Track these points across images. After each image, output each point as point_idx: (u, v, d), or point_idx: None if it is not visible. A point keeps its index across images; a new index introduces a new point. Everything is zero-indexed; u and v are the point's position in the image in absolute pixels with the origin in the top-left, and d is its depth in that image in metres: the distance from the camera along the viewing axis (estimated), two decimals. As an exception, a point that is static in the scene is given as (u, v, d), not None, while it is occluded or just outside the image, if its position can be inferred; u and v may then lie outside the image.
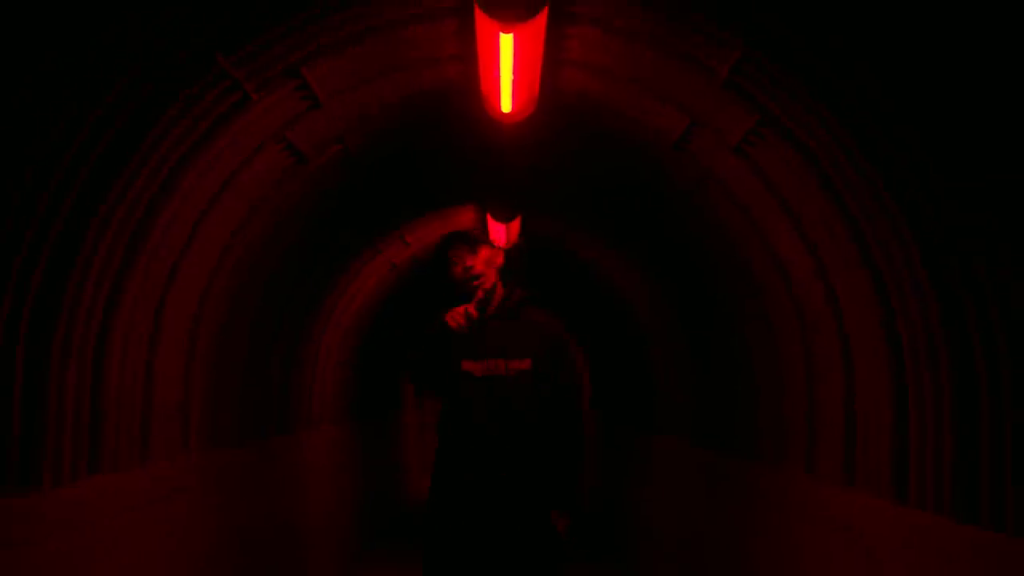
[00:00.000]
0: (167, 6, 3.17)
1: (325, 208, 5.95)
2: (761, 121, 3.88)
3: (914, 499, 3.64)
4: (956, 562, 3.36)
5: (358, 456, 10.43)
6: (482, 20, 3.61)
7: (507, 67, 4.02)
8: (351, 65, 4.17)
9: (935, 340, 3.41)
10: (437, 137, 5.62)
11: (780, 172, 4.10)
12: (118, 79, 3.20)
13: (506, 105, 4.59)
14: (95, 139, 3.26)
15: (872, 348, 3.93)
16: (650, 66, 4.13)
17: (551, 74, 4.48)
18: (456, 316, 4.34)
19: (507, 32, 3.64)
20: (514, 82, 4.25)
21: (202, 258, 4.61)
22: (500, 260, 4.44)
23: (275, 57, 3.78)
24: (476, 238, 4.46)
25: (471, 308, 4.35)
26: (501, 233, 8.43)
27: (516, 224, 8.12)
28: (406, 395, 15.42)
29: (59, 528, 3.49)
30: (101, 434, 3.87)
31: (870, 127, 3.38)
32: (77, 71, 3.07)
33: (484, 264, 4.41)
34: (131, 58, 3.21)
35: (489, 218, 7.90)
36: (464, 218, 8.36)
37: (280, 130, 4.42)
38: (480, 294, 4.34)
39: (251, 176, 4.59)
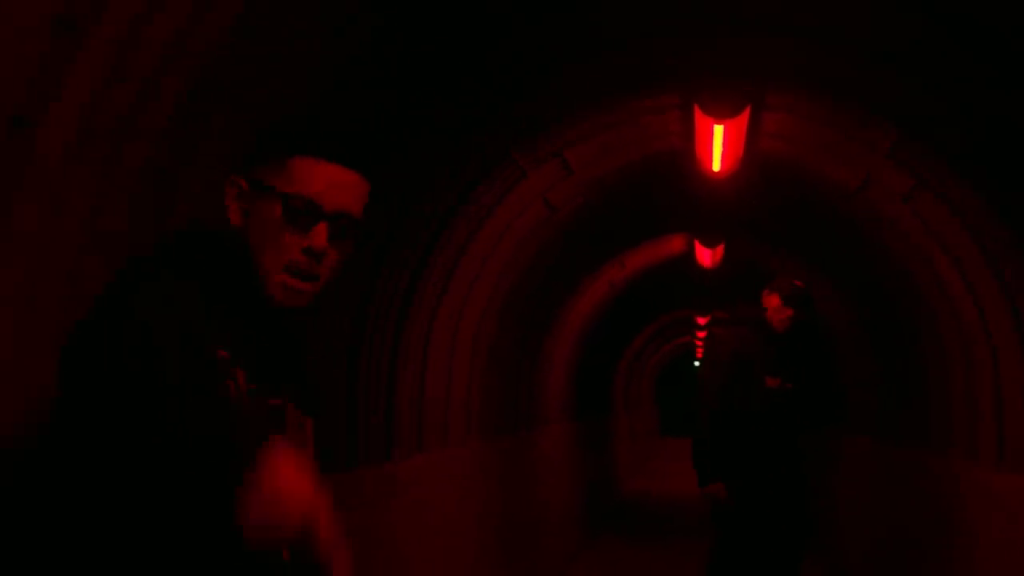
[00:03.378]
0: (484, 120, 4.58)
1: (564, 244, 7.32)
2: (917, 184, 5.03)
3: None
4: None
5: (579, 453, 11.59)
6: (700, 116, 4.90)
7: (718, 144, 5.30)
8: (599, 145, 5.52)
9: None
10: (657, 186, 6.92)
11: (936, 218, 5.23)
12: (454, 170, 4.64)
13: (716, 166, 5.86)
14: (437, 207, 4.70)
15: (1011, 352, 5.01)
16: (826, 138, 5.34)
17: (751, 142, 5.71)
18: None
19: (719, 124, 4.92)
20: (722, 152, 5.52)
21: (484, 285, 6.02)
22: (790, 312, 5.71)
23: (546, 146, 5.16)
24: (787, 297, 5.72)
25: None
26: (707, 256, 9.68)
27: (720, 249, 9.36)
28: (616, 400, 16.54)
29: (405, 488, 4.94)
30: (423, 424, 5.32)
31: (994, 187, 4.51)
32: (429, 162, 4.50)
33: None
34: (458, 155, 4.64)
35: (697, 244, 9.18)
36: (674, 244, 9.61)
37: (542, 193, 5.80)
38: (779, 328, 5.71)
39: (519, 225, 5.99)
